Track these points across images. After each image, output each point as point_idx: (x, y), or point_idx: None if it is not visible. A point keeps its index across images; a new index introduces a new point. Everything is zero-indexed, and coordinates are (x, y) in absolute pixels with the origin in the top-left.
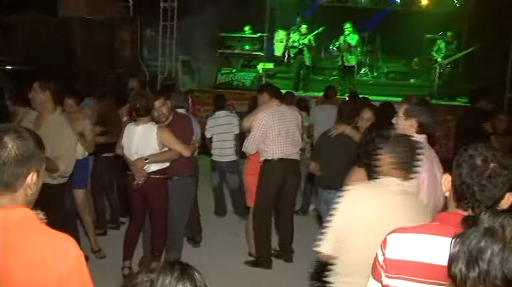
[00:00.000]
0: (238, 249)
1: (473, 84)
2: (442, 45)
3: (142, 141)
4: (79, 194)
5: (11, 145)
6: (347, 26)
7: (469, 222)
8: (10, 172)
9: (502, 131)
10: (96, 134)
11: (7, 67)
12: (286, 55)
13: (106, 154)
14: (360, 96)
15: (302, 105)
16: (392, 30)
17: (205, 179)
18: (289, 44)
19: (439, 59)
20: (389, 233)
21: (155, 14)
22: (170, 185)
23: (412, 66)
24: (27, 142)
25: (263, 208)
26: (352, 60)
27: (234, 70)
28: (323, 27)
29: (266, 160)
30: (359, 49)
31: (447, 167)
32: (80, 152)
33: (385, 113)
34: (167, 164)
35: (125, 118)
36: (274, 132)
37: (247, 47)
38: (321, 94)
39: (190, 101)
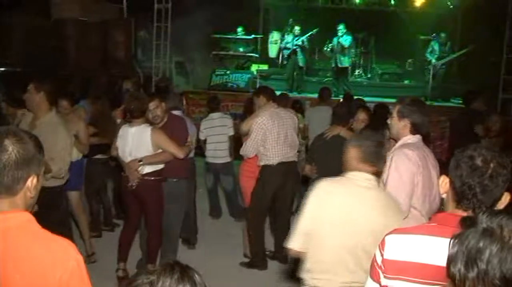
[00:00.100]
0: (233, 250)
1: (467, 85)
2: (436, 47)
3: (136, 142)
4: (74, 196)
5: (12, 148)
6: (341, 28)
7: (468, 223)
8: (10, 175)
9: (495, 132)
10: (89, 134)
11: (1, 69)
12: (280, 56)
13: (99, 156)
14: (355, 97)
15: (297, 107)
16: (386, 31)
17: (200, 180)
18: (282, 45)
19: (433, 61)
20: (388, 234)
21: (149, 16)
22: (165, 187)
23: (406, 67)
24: (27, 145)
25: (259, 211)
26: (345, 62)
27: (228, 72)
28: (316, 29)
29: (265, 165)
30: (352, 50)
31: (442, 168)
32: (74, 154)
33: (380, 114)
34: (161, 166)
35: (119, 120)
36: (273, 135)
37: (241, 48)
38: (315, 95)
39: (184, 102)
